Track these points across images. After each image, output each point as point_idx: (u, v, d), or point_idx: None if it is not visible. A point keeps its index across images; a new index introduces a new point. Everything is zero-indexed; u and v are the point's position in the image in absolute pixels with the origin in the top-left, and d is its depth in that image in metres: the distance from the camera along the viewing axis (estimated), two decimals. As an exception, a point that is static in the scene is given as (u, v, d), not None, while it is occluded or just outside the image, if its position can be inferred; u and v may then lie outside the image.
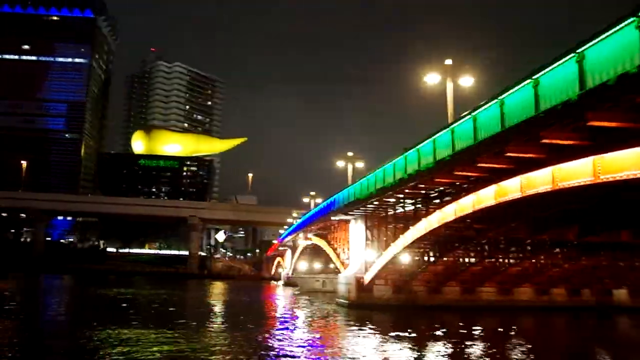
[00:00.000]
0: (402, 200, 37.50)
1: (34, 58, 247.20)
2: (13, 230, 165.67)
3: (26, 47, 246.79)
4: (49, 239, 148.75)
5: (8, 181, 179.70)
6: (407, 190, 32.63)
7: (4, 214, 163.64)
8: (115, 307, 43.70)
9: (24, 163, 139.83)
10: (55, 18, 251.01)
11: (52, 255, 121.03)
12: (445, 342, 26.96)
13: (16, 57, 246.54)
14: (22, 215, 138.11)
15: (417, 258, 43.26)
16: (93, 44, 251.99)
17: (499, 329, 34.40)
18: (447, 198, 31.33)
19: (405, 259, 42.68)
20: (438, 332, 30.65)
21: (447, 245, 39.10)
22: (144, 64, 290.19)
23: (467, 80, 28.48)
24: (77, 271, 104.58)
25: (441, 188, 31.42)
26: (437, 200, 33.19)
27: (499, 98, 20.01)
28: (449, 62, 28.91)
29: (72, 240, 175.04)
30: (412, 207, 37.16)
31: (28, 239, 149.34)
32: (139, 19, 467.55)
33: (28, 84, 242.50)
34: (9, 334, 25.26)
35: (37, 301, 48.34)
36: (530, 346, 26.69)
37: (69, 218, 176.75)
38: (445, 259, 42.09)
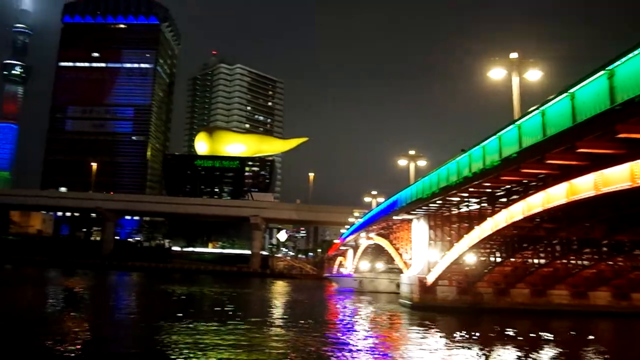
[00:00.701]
0: (466, 199, 36.40)
1: (102, 65, 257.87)
2: (84, 230, 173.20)
3: (96, 54, 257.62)
4: (117, 237, 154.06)
5: (79, 182, 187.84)
6: (471, 189, 31.58)
7: (75, 214, 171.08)
8: (182, 303, 44.66)
9: (93, 165, 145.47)
10: (122, 26, 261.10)
11: (120, 253, 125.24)
12: (514, 347, 25.90)
13: (87, 64, 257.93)
14: (93, 215, 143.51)
15: (483, 258, 42.00)
16: (157, 49, 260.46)
17: (573, 334, 32.80)
18: (515, 197, 30.14)
19: (471, 259, 41.55)
20: (506, 337, 29.51)
21: (514, 245, 37.75)
22: (206, 67, 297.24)
23: (534, 74, 27.14)
24: (144, 269, 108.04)
25: (508, 186, 30.23)
26: (504, 199, 32.00)
27: (570, 91, 18.94)
28: (514, 55, 27.72)
29: (139, 239, 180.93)
30: (477, 206, 36.03)
31: (97, 238, 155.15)
32: (200, 23, 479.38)
33: (97, 90, 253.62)
34: (87, 328, 26.12)
35: (109, 297, 49.97)
36: (607, 356, 25.26)
37: (136, 218, 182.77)
38: (513, 259, 40.69)
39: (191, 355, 20.25)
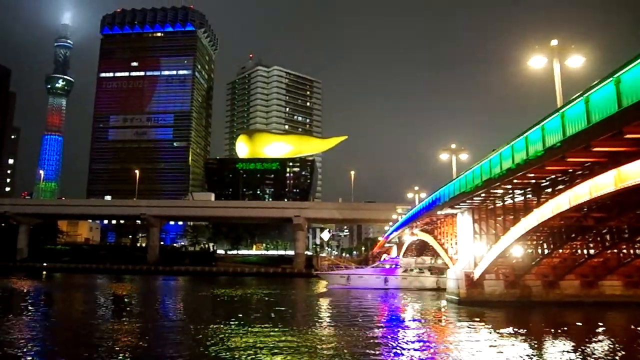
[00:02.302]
0: (510, 191, 35.94)
1: (141, 74, 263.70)
2: (130, 236, 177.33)
3: (134, 64, 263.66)
4: (162, 243, 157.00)
5: (123, 190, 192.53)
6: (515, 181, 31.15)
7: (121, 221, 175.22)
8: (229, 305, 45.40)
9: (137, 172, 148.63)
10: (159, 34, 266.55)
11: (166, 258, 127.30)
12: (566, 341, 25.44)
13: (126, 74, 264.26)
14: (138, 221, 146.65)
15: (530, 251, 41.32)
16: (195, 55, 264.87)
17: (630, 327, 31.91)
18: (560, 187, 29.57)
19: (517, 252, 40.93)
20: (558, 331, 28.98)
21: (562, 236, 37.00)
22: (244, 70, 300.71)
23: (576, 60, 26.28)
24: (189, 273, 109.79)
25: (552, 176, 29.70)
26: (549, 190, 31.42)
27: (615, 76, 18.51)
28: (554, 42, 27.01)
29: (183, 243, 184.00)
30: (522, 198, 35.48)
31: (143, 244, 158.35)
32: (236, 27, 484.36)
33: (138, 99, 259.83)
34: (138, 332, 26.87)
35: (157, 302, 51.11)
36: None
37: (180, 223, 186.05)
38: (561, 251, 39.90)
39: (243, 357, 20.65)
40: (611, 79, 18.73)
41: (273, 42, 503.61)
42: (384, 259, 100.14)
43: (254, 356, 20.71)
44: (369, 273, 71.88)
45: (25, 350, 22.12)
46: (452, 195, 42.88)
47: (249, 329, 28.41)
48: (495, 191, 36.21)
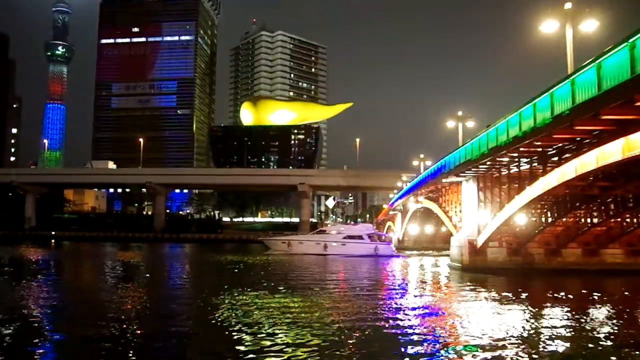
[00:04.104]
0: (516, 159, 35.78)
1: (143, 40, 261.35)
2: (136, 205, 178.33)
3: (136, 29, 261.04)
4: (168, 211, 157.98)
5: (128, 159, 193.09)
6: (522, 149, 30.98)
7: (127, 190, 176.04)
8: (236, 272, 45.91)
9: (141, 140, 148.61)
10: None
11: (172, 226, 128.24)
12: (567, 306, 25.68)
13: (127, 40, 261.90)
14: (143, 190, 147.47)
15: (533, 219, 41.44)
16: (197, 20, 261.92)
17: (626, 294, 32.18)
18: (567, 155, 29.44)
19: (521, 220, 41.04)
20: (559, 296, 29.24)
21: (567, 204, 37.02)
22: (247, 36, 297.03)
23: (589, 25, 25.49)
24: (195, 240, 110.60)
25: (559, 144, 29.52)
26: (556, 158, 31.30)
27: (630, 41, 18.14)
28: (568, 5, 26.30)
29: (189, 211, 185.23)
30: (528, 166, 35.38)
31: (149, 212, 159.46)
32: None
33: (140, 66, 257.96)
34: (145, 300, 27.23)
35: (164, 269, 51.70)
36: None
37: (185, 191, 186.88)
38: (564, 219, 39.95)
39: (247, 323, 20.92)
40: (625, 44, 18.35)
41: (277, 6, 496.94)
42: (329, 225, 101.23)
43: (257, 322, 20.94)
44: (309, 239, 73.71)
45: (38, 315, 22.53)
46: (458, 163, 42.78)
47: (253, 296, 28.75)
48: (501, 159, 36.07)
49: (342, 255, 66.56)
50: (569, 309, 24.79)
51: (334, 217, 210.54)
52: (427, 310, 25.41)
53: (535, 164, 34.30)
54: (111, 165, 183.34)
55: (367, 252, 68.71)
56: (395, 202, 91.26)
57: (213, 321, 21.20)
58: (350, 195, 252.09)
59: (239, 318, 21.78)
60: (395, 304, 27.34)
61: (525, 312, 24.50)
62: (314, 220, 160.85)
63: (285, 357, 15.36)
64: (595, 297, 29.24)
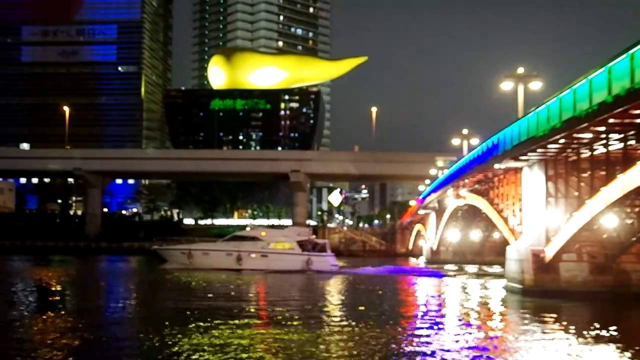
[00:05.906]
0: (603, 136, 35.17)
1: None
2: (59, 201, 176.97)
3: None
4: (106, 210, 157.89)
5: (47, 136, 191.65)
6: (612, 120, 30.32)
7: (45, 180, 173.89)
8: (198, 298, 45.51)
9: (66, 109, 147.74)
10: None
11: (112, 231, 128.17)
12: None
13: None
14: (70, 180, 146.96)
15: (629, 221, 40.88)
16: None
17: None
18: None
19: (611, 222, 40.57)
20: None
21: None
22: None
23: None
24: (145, 251, 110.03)
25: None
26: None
27: None
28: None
29: (136, 210, 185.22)
30: (621, 145, 34.77)
31: (79, 212, 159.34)
32: None
33: (63, 1, 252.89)
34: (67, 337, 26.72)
35: (96, 294, 51.31)
36: None
37: (131, 181, 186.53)
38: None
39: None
40: None
41: None
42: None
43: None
44: (217, 248, 74.31)
45: None
46: (517, 141, 42.61)
47: (225, 332, 28.24)
48: (581, 135, 35.59)
49: (262, 271, 67.79)
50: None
51: (340, 217, 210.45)
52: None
53: (632, 142, 33.68)
54: (24, 145, 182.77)
55: (296, 267, 70.02)
56: (426, 198, 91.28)
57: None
58: (363, 187, 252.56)
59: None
60: (425, 342, 26.71)
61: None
62: (312, 222, 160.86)
63: None
64: None
